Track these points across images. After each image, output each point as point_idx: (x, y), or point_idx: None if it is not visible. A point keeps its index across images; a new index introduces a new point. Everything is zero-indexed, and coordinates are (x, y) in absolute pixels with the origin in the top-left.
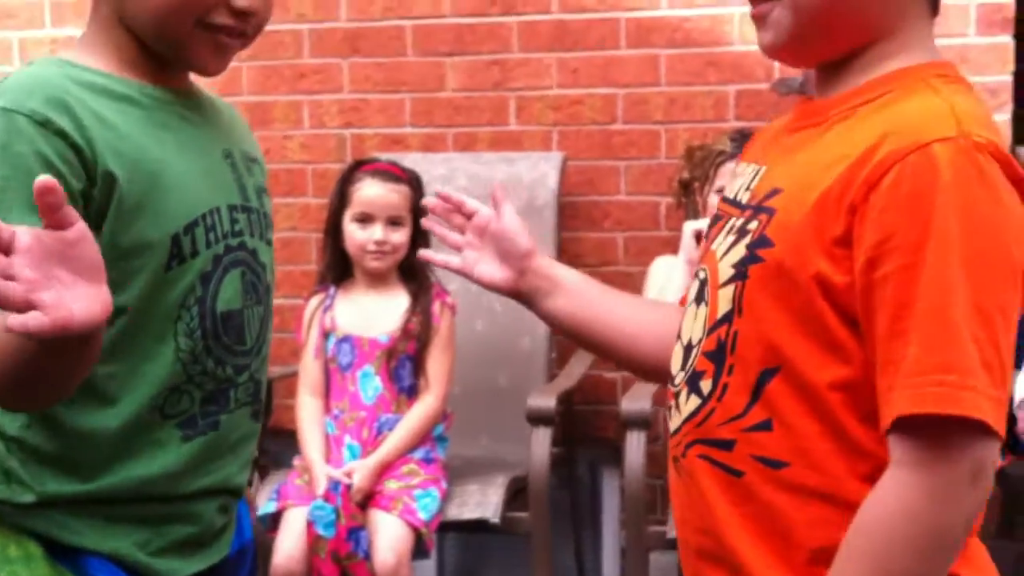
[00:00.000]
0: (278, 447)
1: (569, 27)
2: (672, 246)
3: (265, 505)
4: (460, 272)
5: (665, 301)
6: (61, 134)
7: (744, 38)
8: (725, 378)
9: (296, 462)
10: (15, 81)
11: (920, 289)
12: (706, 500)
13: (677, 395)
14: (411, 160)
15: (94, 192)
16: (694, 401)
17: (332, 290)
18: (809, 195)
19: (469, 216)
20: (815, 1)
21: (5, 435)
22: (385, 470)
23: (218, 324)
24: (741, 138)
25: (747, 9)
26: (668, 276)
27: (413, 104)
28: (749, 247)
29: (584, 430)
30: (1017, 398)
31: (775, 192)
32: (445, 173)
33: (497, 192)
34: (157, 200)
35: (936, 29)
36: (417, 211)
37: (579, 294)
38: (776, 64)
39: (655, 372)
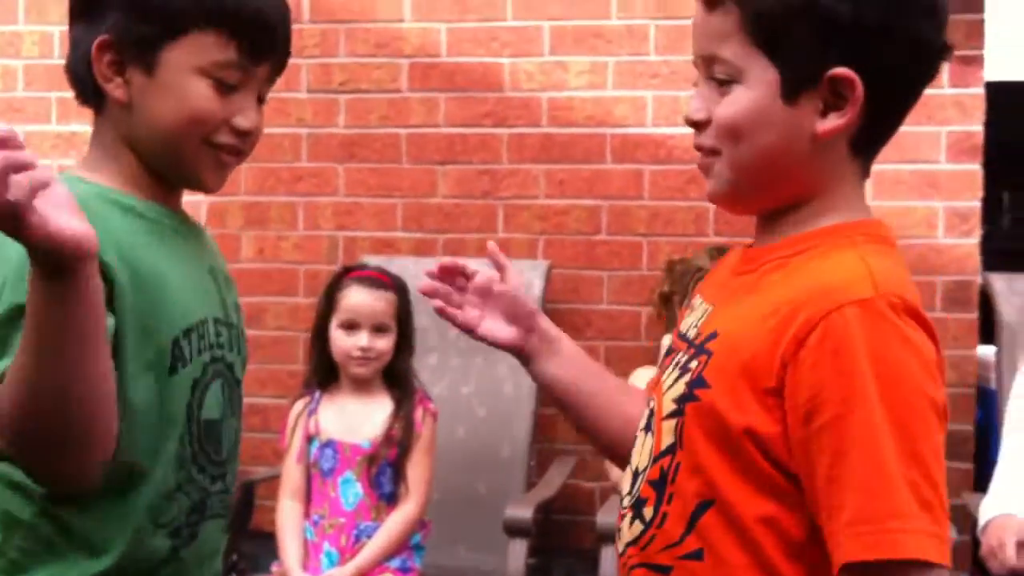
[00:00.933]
0: (256, 549)
1: (557, 140)
2: (651, 357)
3: None
4: (463, 327)
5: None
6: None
7: None
8: (665, 507)
9: (274, 568)
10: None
11: (852, 439)
12: None
13: (623, 517)
14: (401, 264)
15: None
16: (637, 526)
17: (317, 394)
18: (744, 345)
19: (470, 278)
20: (749, 160)
21: (14, 518)
22: None
23: (202, 432)
24: (719, 254)
25: None
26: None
27: (405, 209)
28: (688, 385)
29: (561, 540)
30: (980, 523)
31: (713, 335)
32: None
33: (494, 252)
34: (161, 306)
35: (907, 155)
36: (402, 318)
37: (573, 363)
38: None
39: (619, 455)
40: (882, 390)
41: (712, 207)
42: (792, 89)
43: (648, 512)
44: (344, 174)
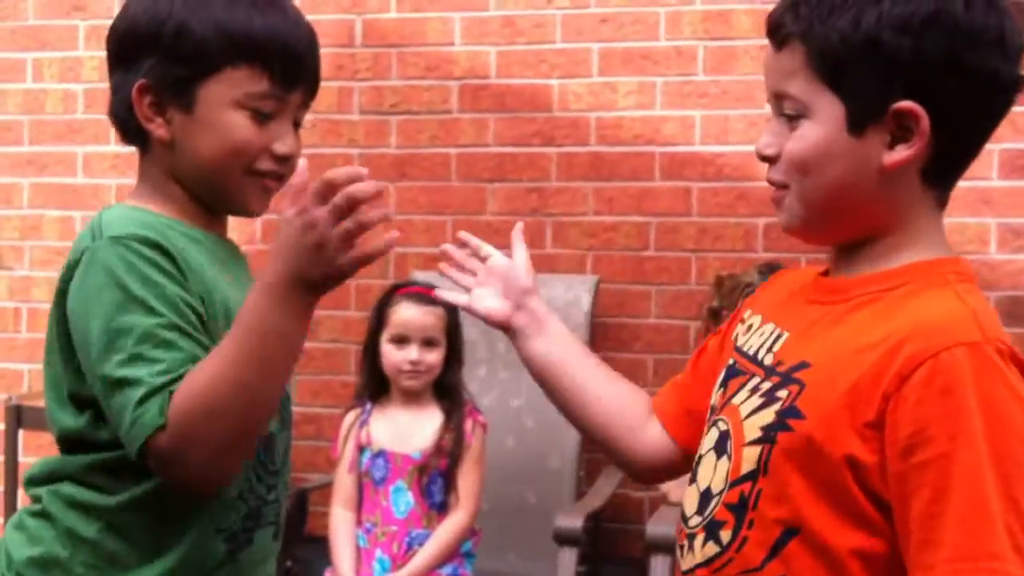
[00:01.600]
0: (310, 554)
1: (606, 159)
2: None
3: None
4: (466, 309)
5: (633, 386)
6: (170, 256)
7: None
8: (745, 531)
9: (328, 573)
10: (109, 218)
11: (956, 477)
12: None
13: (691, 536)
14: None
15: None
16: (712, 547)
17: (368, 406)
18: (842, 378)
19: (484, 259)
20: (819, 195)
21: (80, 537)
22: None
23: (260, 444)
24: (768, 270)
25: None
26: None
27: (455, 226)
28: (779, 415)
29: (610, 549)
30: None
31: (804, 365)
32: None
33: (516, 232)
34: (227, 327)
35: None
36: (451, 332)
37: (559, 344)
38: None
39: (596, 437)
40: (988, 433)
41: (761, 223)
42: (858, 122)
43: (726, 535)
44: (396, 192)
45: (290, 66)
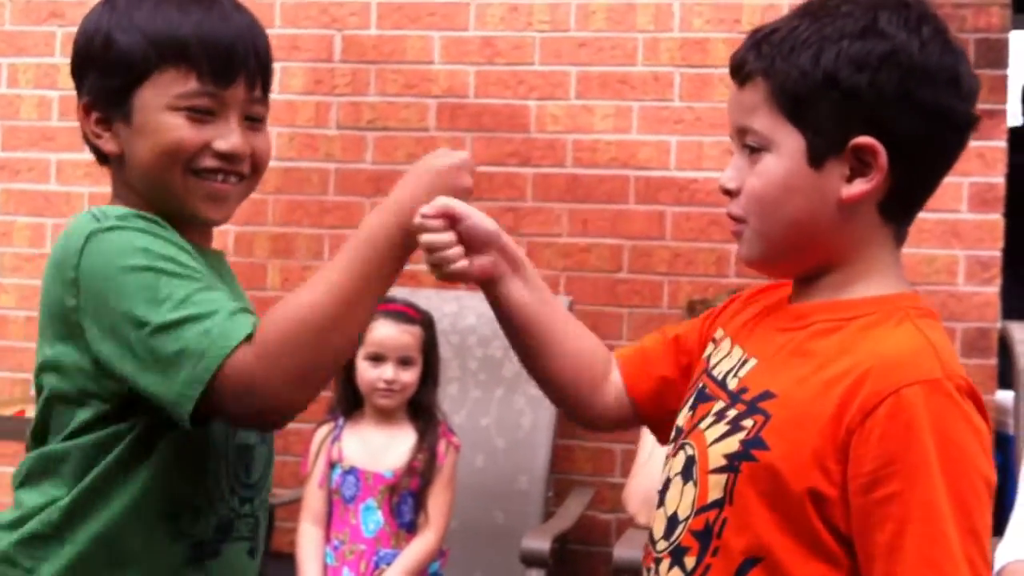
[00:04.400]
0: (277, 570)
1: (581, 181)
2: None
3: None
4: (465, 275)
5: (596, 339)
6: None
7: None
8: (709, 559)
9: None
10: (104, 209)
11: (916, 511)
12: None
13: (658, 561)
14: (423, 296)
15: None
16: (677, 573)
17: (341, 421)
18: (806, 411)
19: (457, 221)
20: (778, 229)
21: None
22: None
23: (234, 454)
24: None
25: None
26: None
27: None
28: (744, 444)
29: (577, 571)
30: (996, 567)
31: (768, 395)
32: (456, 310)
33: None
34: None
35: (930, 204)
36: (428, 351)
37: (535, 289)
38: None
39: (557, 389)
40: (945, 467)
41: (733, 249)
42: (818, 156)
43: (690, 562)
44: (370, 208)
45: (218, 62)
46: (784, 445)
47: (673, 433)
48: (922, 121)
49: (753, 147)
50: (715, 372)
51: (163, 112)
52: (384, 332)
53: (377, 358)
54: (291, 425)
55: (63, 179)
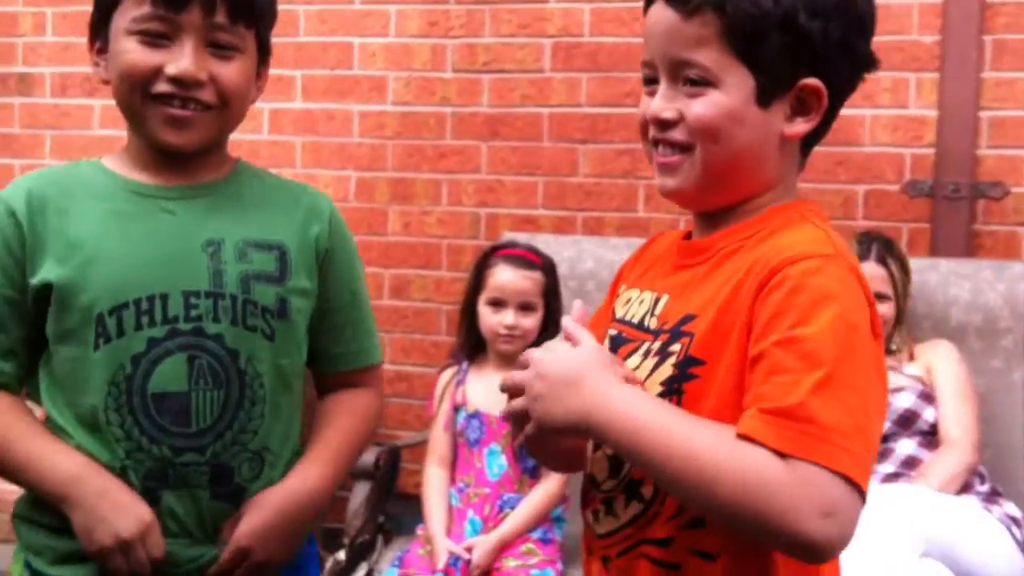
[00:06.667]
0: (401, 511)
1: None
2: None
3: (388, 571)
4: None
5: None
6: (17, 224)
7: (875, 139)
8: None
9: (419, 531)
10: (28, 174)
11: (804, 359)
12: None
13: (608, 501)
14: (541, 240)
15: (31, 273)
16: (636, 506)
17: (465, 365)
18: (725, 316)
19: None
20: (724, 160)
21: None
22: (504, 548)
23: (148, 403)
24: (868, 240)
25: (880, 111)
26: None
27: (546, 187)
28: (677, 366)
29: None
30: None
31: (688, 318)
32: (574, 255)
33: (570, 323)
34: (84, 282)
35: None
36: (549, 296)
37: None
38: (908, 165)
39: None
40: (834, 326)
41: (862, 190)
42: (767, 95)
43: (648, 491)
44: (487, 152)
45: None
46: (715, 354)
47: None
48: (852, 66)
49: (694, 80)
50: (628, 318)
51: (123, 37)
52: (504, 277)
53: (498, 303)
54: (413, 369)
55: (106, 125)
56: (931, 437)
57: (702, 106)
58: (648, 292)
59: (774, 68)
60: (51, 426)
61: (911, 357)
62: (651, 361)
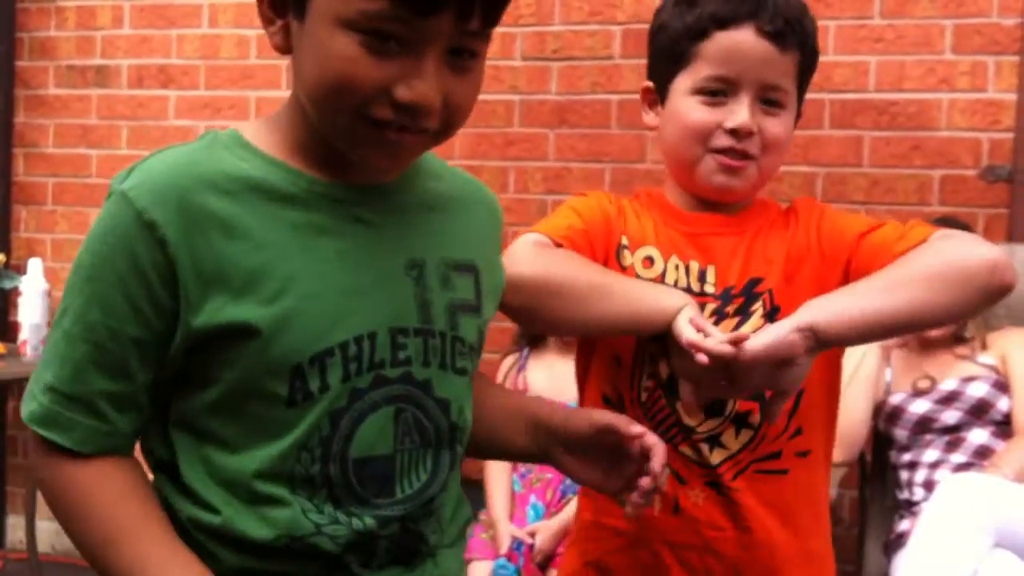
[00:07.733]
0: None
1: None
2: None
3: None
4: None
5: None
6: (162, 244)
7: (952, 124)
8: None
9: (482, 516)
10: (161, 156)
11: (865, 222)
12: (753, 515)
13: (713, 437)
14: None
15: (189, 309)
16: (747, 433)
17: (526, 351)
18: (790, 267)
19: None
20: (773, 168)
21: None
22: (567, 533)
23: (349, 472)
24: (943, 226)
25: (957, 95)
26: (863, 353)
27: (613, 174)
28: (766, 316)
29: None
30: None
31: (756, 280)
32: None
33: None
34: (282, 323)
35: None
36: None
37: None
38: (985, 150)
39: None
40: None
41: (938, 175)
42: (798, 117)
43: (755, 419)
44: (555, 140)
45: None
46: (791, 298)
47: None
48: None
49: (774, 102)
50: (671, 283)
51: (335, 26)
52: None
53: None
54: (484, 355)
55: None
56: (1005, 427)
57: (778, 126)
58: (688, 262)
59: (803, 93)
60: (180, 494)
61: (984, 346)
62: (732, 321)
